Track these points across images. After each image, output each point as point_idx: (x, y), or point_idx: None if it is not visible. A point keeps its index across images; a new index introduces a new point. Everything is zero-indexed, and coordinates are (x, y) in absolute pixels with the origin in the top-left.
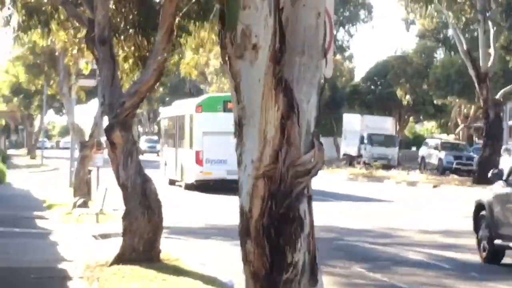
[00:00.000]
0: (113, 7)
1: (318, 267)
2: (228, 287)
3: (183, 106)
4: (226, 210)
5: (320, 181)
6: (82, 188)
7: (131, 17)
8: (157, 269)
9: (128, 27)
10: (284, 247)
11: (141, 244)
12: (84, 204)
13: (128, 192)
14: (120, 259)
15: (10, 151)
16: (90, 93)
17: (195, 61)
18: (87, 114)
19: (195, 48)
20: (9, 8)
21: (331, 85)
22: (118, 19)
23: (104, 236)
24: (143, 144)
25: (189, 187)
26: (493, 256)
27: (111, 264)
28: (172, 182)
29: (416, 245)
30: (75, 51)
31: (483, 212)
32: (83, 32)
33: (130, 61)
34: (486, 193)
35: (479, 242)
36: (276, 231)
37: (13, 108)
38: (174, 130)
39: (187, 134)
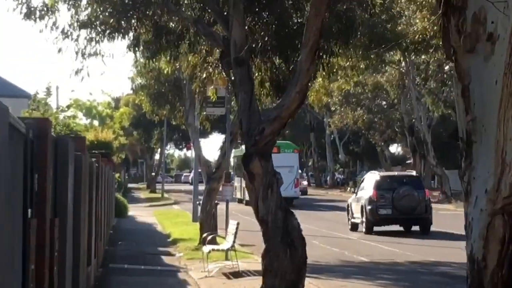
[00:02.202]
0: (248, 26)
1: None
2: None
3: (242, 150)
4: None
5: (454, 218)
6: (209, 222)
7: (266, 38)
8: None
9: (265, 47)
10: None
11: (283, 285)
12: (213, 240)
13: (268, 228)
14: None
15: (130, 185)
16: (213, 124)
17: (325, 88)
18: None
19: (327, 74)
20: (135, 30)
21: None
22: (252, 39)
23: (236, 275)
24: None
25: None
26: (353, 227)
27: None
28: (240, 201)
29: None
30: (203, 76)
31: (348, 208)
32: (214, 56)
33: (267, 85)
34: (351, 198)
35: (348, 220)
36: None
37: (133, 142)
38: (237, 165)
39: None
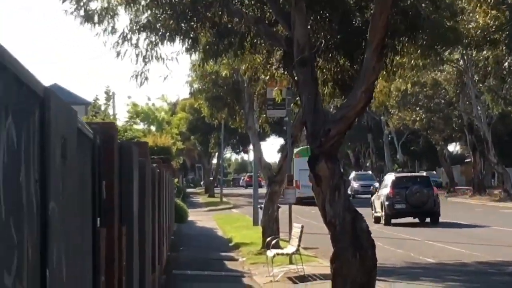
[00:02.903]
0: (310, 25)
1: None
2: None
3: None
4: None
5: None
6: (271, 226)
7: (329, 36)
8: None
9: (328, 46)
10: None
11: None
12: (276, 244)
13: (336, 231)
14: None
15: (188, 190)
16: (272, 127)
17: (387, 88)
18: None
19: (388, 73)
20: (195, 31)
21: None
22: (315, 39)
23: (302, 279)
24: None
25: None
26: (376, 220)
27: None
28: None
29: None
30: (267, 77)
31: (372, 204)
32: (275, 56)
33: (329, 84)
34: (374, 195)
35: (372, 214)
36: None
37: (190, 146)
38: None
39: (292, 170)
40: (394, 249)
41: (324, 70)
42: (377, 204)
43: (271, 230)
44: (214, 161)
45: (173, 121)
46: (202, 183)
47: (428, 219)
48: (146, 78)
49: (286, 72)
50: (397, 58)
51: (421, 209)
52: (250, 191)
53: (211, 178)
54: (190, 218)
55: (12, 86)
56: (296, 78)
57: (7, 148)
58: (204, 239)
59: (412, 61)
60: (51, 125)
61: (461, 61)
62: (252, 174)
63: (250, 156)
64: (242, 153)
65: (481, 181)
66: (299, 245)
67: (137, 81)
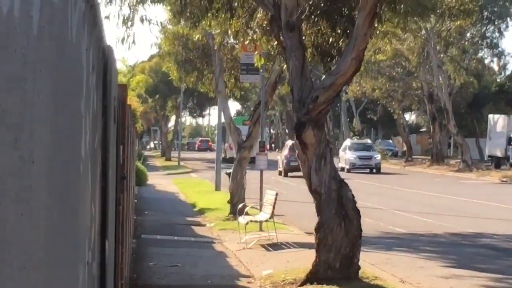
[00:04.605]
0: None
1: None
2: None
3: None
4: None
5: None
6: (239, 192)
7: (312, 1)
8: None
9: (312, 12)
10: None
11: (338, 260)
12: (245, 210)
13: (321, 200)
14: (314, 277)
15: (144, 153)
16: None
17: None
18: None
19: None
20: None
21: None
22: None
23: (276, 246)
24: None
25: (225, 160)
26: (279, 173)
27: (303, 283)
28: (224, 159)
29: None
30: (247, 41)
31: (278, 162)
32: (255, 21)
33: (309, 50)
34: (279, 156)
35: (278, 169)
36: None
37: (147, 109)
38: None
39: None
40: (362, 218)
41: (305, 36)
42: (280, 162)
43: (239, 196)
44: (169, 124)
45: (131, 84)
46: (149, 146)
47: None
48: (133, 42)
49: (272, 37)
50: (380, 27)
51: None
52: (203, 155)
53: (169, 141)
54: (149, 181)
55: (97, 45)
56: (283, 43)
57: (92, 113)
58: (167, 203)
59: (388, 29)
60: (112, 87)
61: (423, 30)
62: (205, 139)
63: (205, 121)
64: (198, 117)
65: (440, 151)
66: (273, 212)
67: (123, 44)
